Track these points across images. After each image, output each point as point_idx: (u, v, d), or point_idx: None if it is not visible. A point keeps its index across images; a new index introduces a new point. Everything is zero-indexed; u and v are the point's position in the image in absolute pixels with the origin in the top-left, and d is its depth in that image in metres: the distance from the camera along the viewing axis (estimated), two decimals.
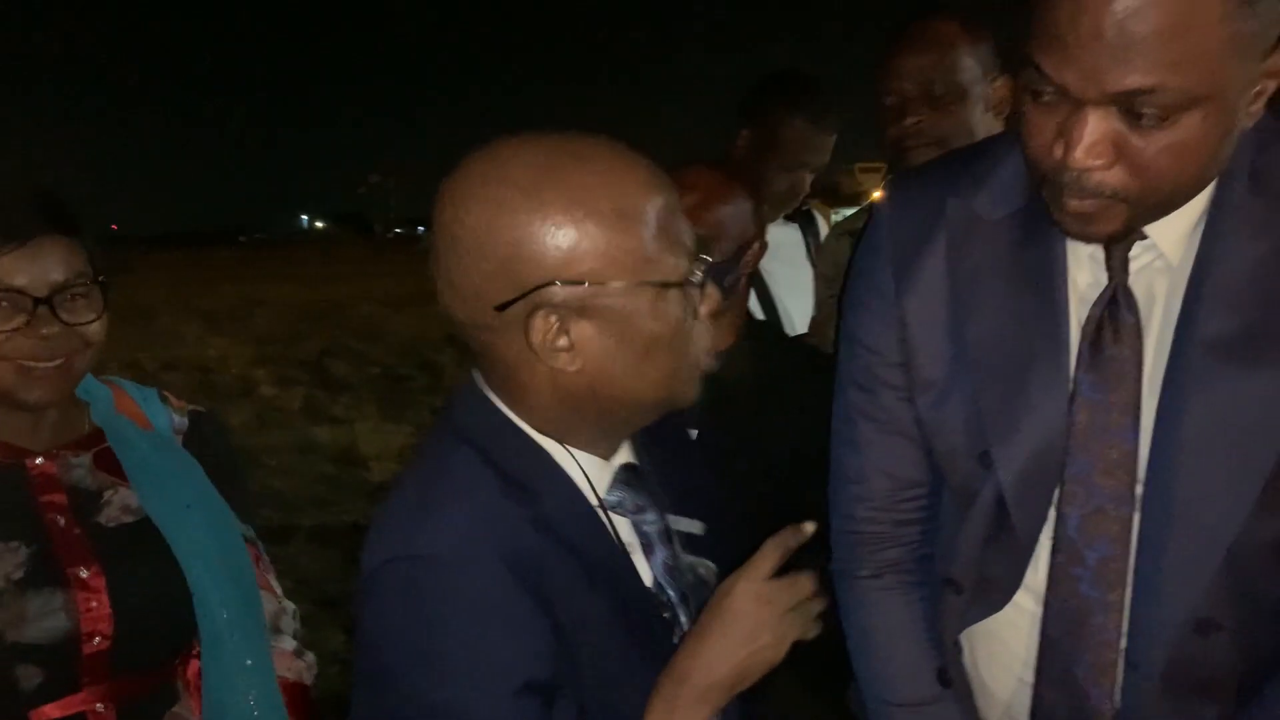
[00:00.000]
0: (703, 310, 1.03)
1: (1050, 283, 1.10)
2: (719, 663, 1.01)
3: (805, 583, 1.05)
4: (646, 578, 1.08)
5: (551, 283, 0.95)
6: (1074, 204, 0.99)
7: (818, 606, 1.07)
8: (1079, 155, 0.94)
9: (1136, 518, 1.08)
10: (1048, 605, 1.14)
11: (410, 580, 0.95)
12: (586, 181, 0.95)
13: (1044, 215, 1.06)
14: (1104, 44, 0.89)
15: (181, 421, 1.59)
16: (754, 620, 1.02)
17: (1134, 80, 0.89)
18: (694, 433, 1.59)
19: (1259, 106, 0.97)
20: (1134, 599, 1.09)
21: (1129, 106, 0.91)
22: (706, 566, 1.13)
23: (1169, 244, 1.06)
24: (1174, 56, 0.88)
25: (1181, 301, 1.04)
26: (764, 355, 1.76)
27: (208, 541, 1.47)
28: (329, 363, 11.54)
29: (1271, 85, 0.96)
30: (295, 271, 32.54)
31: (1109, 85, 0.90)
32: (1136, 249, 1.07)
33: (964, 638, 1.23)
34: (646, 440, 1.16)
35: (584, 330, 0.97)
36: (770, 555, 1.04)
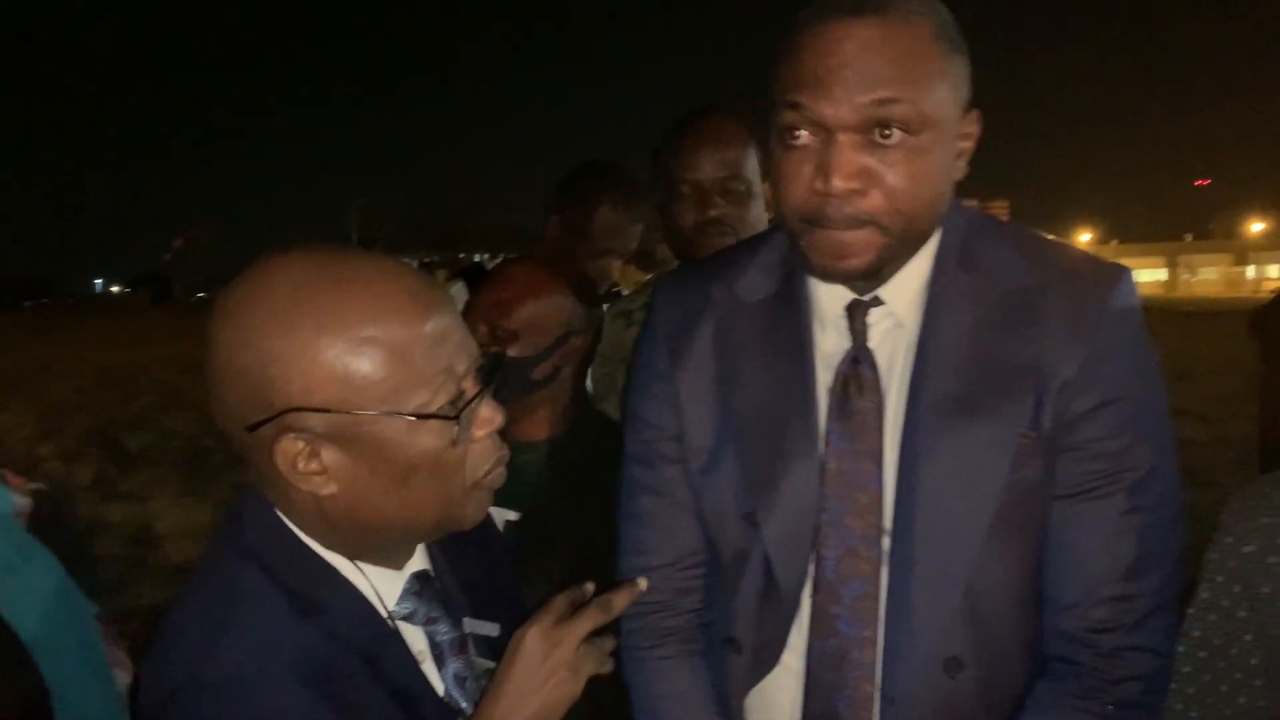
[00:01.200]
0: (478, 433, 1.04)
1: (800, 352, 1.24)
2: (519, 705, 1.05)
3: (591, 617, 1.10)
4: (439, 688, 1.09)
5: (298, 408, 0.95)
6: (836, 236, 1.11)
7: (609, 644, 1.13)
8: (838, 182, 1.08)
9: (885, 558, 1.20)
10: (810, 646, 1.23)
11: (201, 712, 0.92)
12: (338, 307, 0.95)
13: (795, 295, 1.24)
14: (851, 70, 1.06)
15: (24, 503, 1.51)
16: (546, 660, 1.06)
17: (880, 93, 1.06)
18: (509, 518, 1.63)
19: (963, 163, 1.16)
20: (886, 636, 1.19)
21: (876, 123, 1.07)
22: None
23: (901, 307, 1.21)
24: (906, 76, 1.06)
25: (913, 361, 1.20)
26: (592, 440, 1.79)
27: (62, 632, 1.41)
28: (123, 434, 10.88)
29: (968, 146, 1.16)
30: (89, 336, 30.55)
31: (860, 99, 1.06)
32: (874, 314, 1.22)
33: (746, 703, 1.30)
34: (444, 542, 1.17)
35: (335, 456, 0.97)
36: (557, 605, 1.10)
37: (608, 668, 1.13)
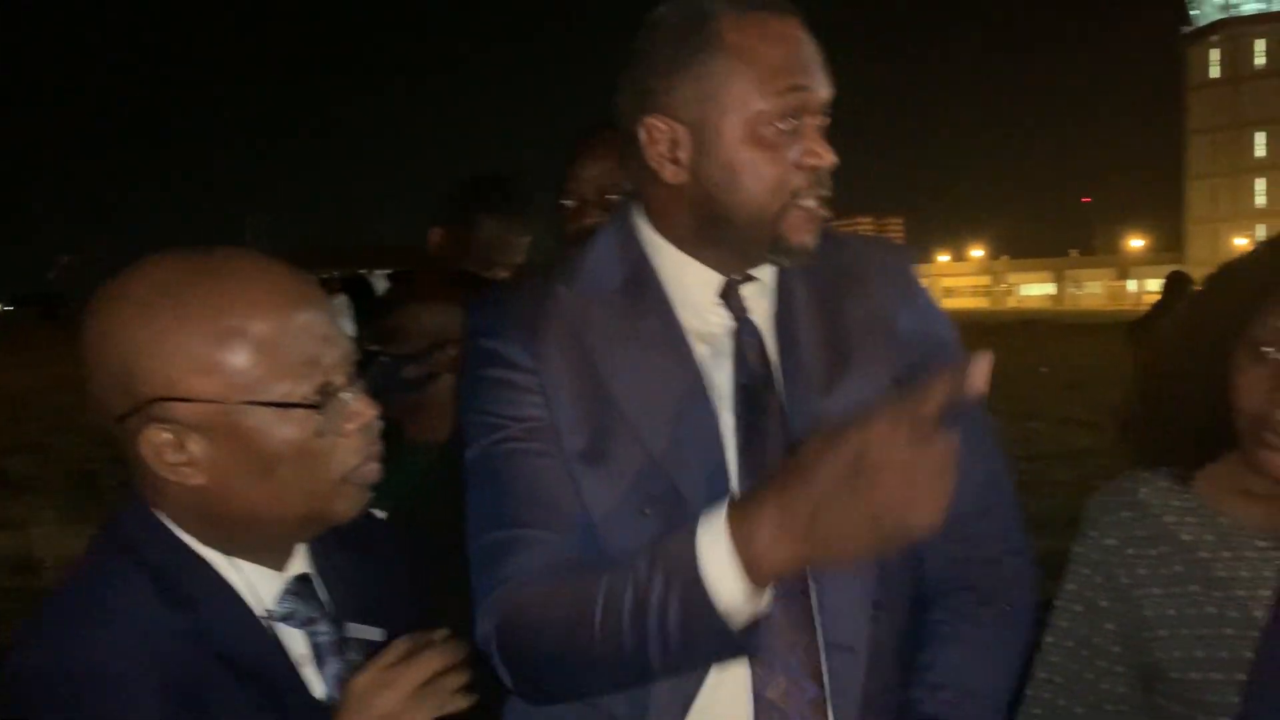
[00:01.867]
0: (348, 426, 1.05)
1: (675, 339, 1.25)
2: None
3: (432, 660, 1.08)
4: (319, 691, 1.08)
5: (162, 398, 0.97)
6: (812, 208, 1.22)
7: (457, 680, 1.10)
8: (833, 155, 1.20)
9: None
10: None
11: (55, 698, 0.92)
12: (201, 298, 0.97)
13: (649, 284, 1.27)
14: (818, 58, 1.21)
15: None
16: (377, 707, 1.04)
17: (830, 86, 1.22)
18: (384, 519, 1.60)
19: None
20: (821, 587, 1.22)
21: (829, 108, 1.22)
22: None
23: (765, 287, 1.30)
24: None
25: (778, 328, 1.28)
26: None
27: None
28: (7, 461, 10.40)
29: None
30: None
31: (829, 84, 1.22)
32: (747, 289, 1.28)
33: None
34: (331, 545, 1.17)
35: (201, 447, 0.99)
36: (395, 649, 1.08)
37: (453, 707, 1.10)
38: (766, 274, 1.30)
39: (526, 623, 1.13)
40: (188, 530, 1.04)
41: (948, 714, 1.24)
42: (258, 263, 1.02)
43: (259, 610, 1.05)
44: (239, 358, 0.97)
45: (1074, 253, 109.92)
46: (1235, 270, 1.35)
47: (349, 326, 2.59)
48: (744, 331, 1.26)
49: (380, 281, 3.73)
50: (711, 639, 0.98)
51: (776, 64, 1.18)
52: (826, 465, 0.88)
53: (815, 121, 1.20)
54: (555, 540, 1.18)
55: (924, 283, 1.37)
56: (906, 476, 0.86)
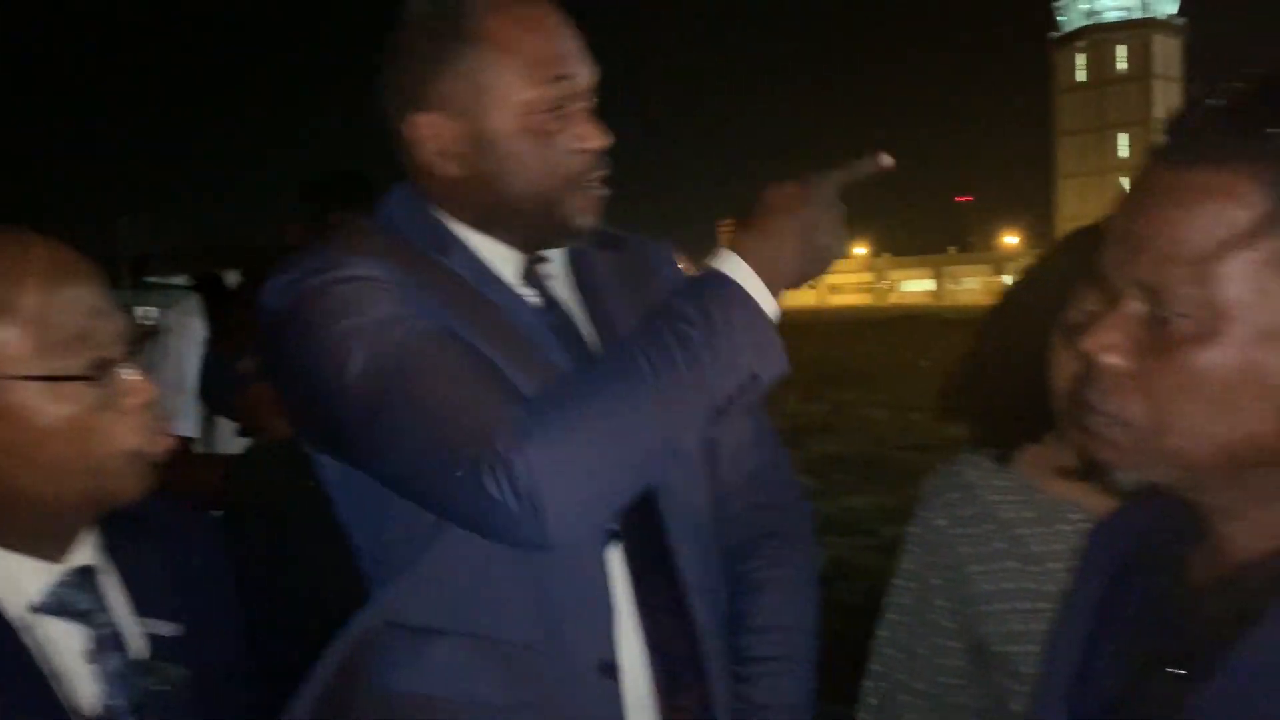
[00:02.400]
0: (128, 402, 1.03)
1: (501, 313, 1.21)
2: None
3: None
4: (89, 688, 1.03)
5: None
6: (596, 192, 1.25)
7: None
8: (603, 137, 1.23)
9: None
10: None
11: None
12: None
13: (451, 247, 1.23)
14: (580, 47, 1.22)
15: None
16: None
17: (592, 69, 1.23)
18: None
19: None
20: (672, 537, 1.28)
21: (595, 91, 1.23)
22: (169, 672, 1.09)
23: (557, 259, 1.32)
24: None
25: (585, 306, 1.31)
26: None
27: None
28: None
29: None
30: None
31: (592, 69, 1.23)
32: (544, 269, 1.30)
33: None
34: (129, 536, 1.13)
35: None
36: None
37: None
38: (559, 257, 1.33)
39: (567, 422, 1.04)
40: None
41: (779, 653, 1.34)
42: (22, 239, 1.00)
43: (16, 608, 1.01)
44: (4, 332, 0.96)
45: (952, 250, 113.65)
46: (1052, 258, 1.41)
47: (199, 325, 2.52)
48: (553, 310, 1.28)
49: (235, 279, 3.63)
50: (757, 341, 1.11)
51: (539, 53, 1.18)
52: (792, 212, 1.15)
53: (584, 105, 1.22)
54: (513, 393, 1.08)
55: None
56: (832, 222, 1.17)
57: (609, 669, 1.18)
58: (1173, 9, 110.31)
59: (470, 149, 1.20)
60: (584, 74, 1.21)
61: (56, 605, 1.03)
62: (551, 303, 1.28)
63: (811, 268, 1.16)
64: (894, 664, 1.46)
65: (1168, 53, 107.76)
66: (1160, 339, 0.74)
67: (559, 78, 1.19)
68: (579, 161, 1.22)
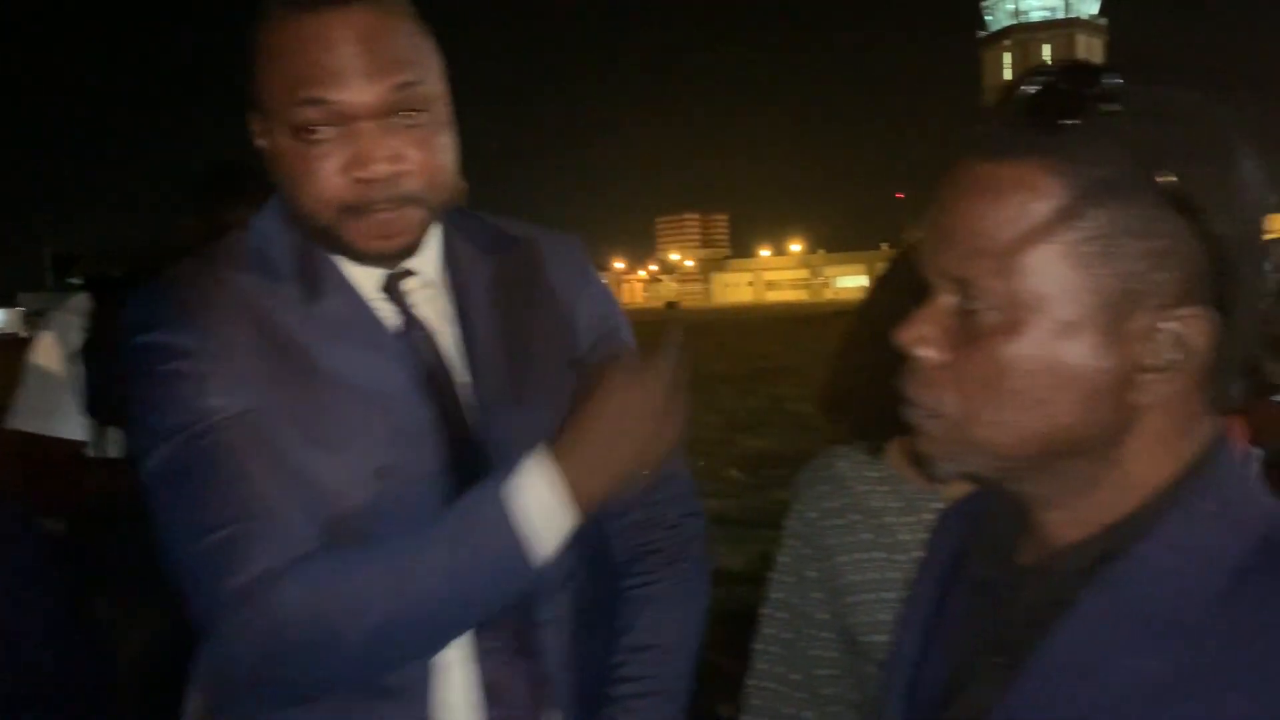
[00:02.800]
0: None
1: (366, 317, 1.20)
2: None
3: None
4: None
5: None
6: (381, 218, 1.12)
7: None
8: (381, 168, 1.09)
9: None
10: None
11: None
12: None
13: (320, 270, 1.19)
14: (366, 58, 1.08)
15: None
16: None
17: (398, 77, 1.09)
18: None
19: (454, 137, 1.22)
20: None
21: (399, 106, 1.10)
22: None
23: (430, 271, 1.24)
24: (413, 57, 1.12)
25: (458, 321, 1.24)
26: None
27: None
28: None
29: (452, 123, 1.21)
30: None
31: (381, 84, 1.09)
32: (410, 283, 1.22)
33: None
34: None
35: None
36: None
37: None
38: (432, 268, 1.25)
39: (306, 618, 1.05)
40: None
41: (653, 672, 1.29)
42: None
43: None
44: None
45: (885, 246, 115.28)
46: (911, 255, 1.43)
47: (77, 325, 2.41)
48: (413, 327, 1.22)
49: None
50: (517, 577, 1.08)
51: (299, 72, 1.09)
52: (610, 407, 1.08)
53: (368, 126, 1.11)
54: (287, 526, 1.09)
55: (595, 271, 1.40)
56: (658, 412, 1.09)
57: None
58: (1094, 9, 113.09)
59: (270, 158, 1.16)
60: (352, 95, 1.08)
61: None
62: (412, 322, 1.21)
63: (642, 460, 1.10)
64: (772, 658, 1.46)
65: (1091, 51, 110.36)
66: (969, 331, 0.75)
67: (313, 100, 1.08)
68: (347, 188, 1.11)
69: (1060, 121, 0.71)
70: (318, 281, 1.20)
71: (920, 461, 0.82)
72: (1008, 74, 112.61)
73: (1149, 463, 0.75)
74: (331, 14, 1.08)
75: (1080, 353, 0.71)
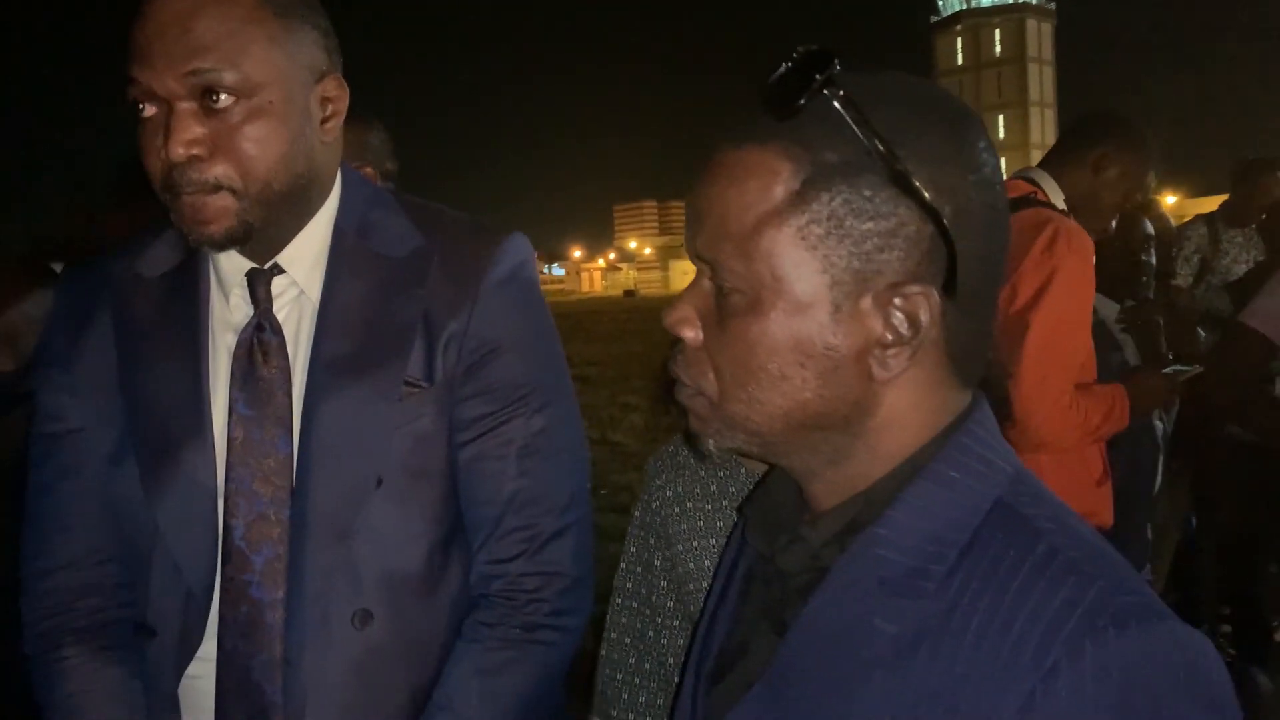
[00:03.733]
0: None
1: (193, 324, 1.23)
2: None
3: None
4: None
5: None
6: (190, 201, 1.12)
7: None
8: (178, 150, 1.09)
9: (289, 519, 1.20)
10: (223, 616, 1.20)
11: None
12: None
13: (196, 266, 1.24)
14: (167, 41, 1.09)
15: None
16: None
17: (196, 63, 1.09)
18: None
19: (331, 128, 1.21)
20: (289, 597, 1.19)
21: (203, 91, 1.10)
22: None
23: (302, 275, 1.23)
24: (223, 43, 1.10)
25: (314, 328, 1.22)
26: None
27: None
28: None
29: (332, 109, 1.20)
30: None
31: (180, 69, 1.09)
32: (278, 283, 1.23)
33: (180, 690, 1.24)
34: None
35: None
36: None
37: None
38: (304, 271, 1.24)
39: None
40: None
41: None
42: None
43: None
44: None
45: None
46: None
47: None
48: (260, 325, 1.22)
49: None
50: None
51: (129, 48, 1.12)
52: None
53: (178, 108, 1.10)
54: (54, 570, 1.27)
55: (520, 279, 1.27)
56: None
57: None
58: None
59: None
60: (150, 77, 1.09)
61: None
62: (261, 323, 1.22)
63: None
64: (624, 648, 1.47)
65: (1041, 35, 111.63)
66: (722, 312, 0.77)
67: (130, 78, 1.11)
68: (161, 168, 1.12)
69: (790, 107, 0.73)
70: (184, 283, 1.24)
71: (688, 439, 0.84)
72: (959, 59, 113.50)
73: (897, 434, 0.77)
74: None
75: (816, 330, 0.73)
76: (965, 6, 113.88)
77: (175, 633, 1.23)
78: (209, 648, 1.22)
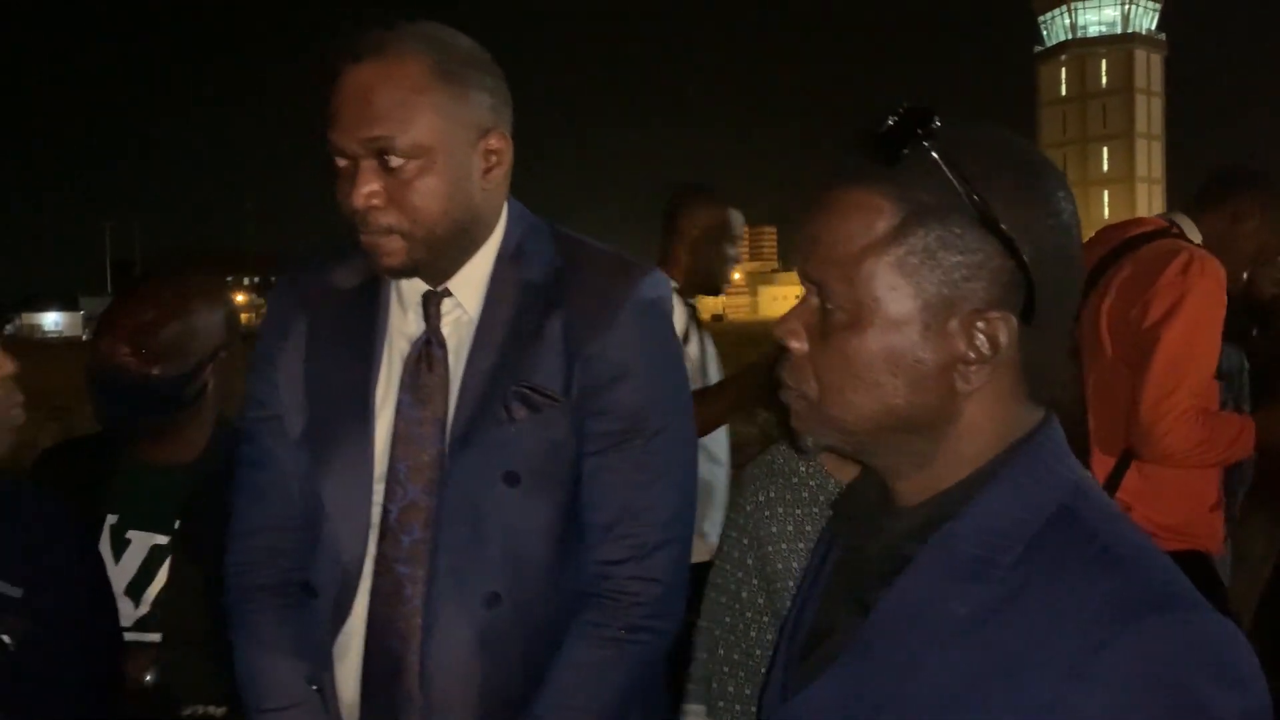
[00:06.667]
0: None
1: (370, 332, 1.44)
2: None
3: None
4: None
5: None
6: (367, 240, 1.34)
7: None
8: (359, 200, 1.31)
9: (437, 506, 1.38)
10: (374, 585, 1.39)
11: None
12: None
13: (381, 284, 1.45)
14: (351, 109, 1.30)
15: None
16: None
17: (371, 131, 1.30)
18: (158, 542, 1.72)
19: (496, 177, 1.39)
20: (431, 574, 1.37)
21: (379, 152, 1.30)
22: (8, 623, 1.25)
23: (466, 298, 1.42)
24: (394, 113, 1.30)
25: (471, 343, 1.41)
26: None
27: None
28: None
29: (496, 160, 1.38)
30: None
31: (359, 135, 1.30)
32: (446, 304, 1.43)
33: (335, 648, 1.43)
34: None
35: None
36: None
37: None
38: (470, 296, 1.42)
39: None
40: None
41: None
42: None
43: None
44: None
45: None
46: None
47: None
48: (429, 339, 1.42)
49: None
50: None
51: (328, 111, 1.32)
52: None
53: (362, 165, 1.31)
54: (254, 531, 1.47)
55: (654, 312, 1.40)
56: None
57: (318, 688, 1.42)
58: (1152, 25, 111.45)
59: None
60: (339, 139, 1.30)
61: None
62: (429, 334, 1.42)
63: None
64: (715, 640, 1.60)
65: (1150, 66, 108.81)
66: (825, 326, 0.90)
67: (326, 137, 1.32)
68: (345, 209, 1.33)
69: (894, 155, 0.85)
70: (369, 297, 1.46)
71: (790, 436, 0.96)
72: (1064, 90, 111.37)
73: (975, 441, 0.89)
74: (345, 68, 1.32)
75: (908, 345, 0.86)
76: (1070, 36, 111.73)
77: (332, 597, 1.42)
78: (359, 613, 1.40)
